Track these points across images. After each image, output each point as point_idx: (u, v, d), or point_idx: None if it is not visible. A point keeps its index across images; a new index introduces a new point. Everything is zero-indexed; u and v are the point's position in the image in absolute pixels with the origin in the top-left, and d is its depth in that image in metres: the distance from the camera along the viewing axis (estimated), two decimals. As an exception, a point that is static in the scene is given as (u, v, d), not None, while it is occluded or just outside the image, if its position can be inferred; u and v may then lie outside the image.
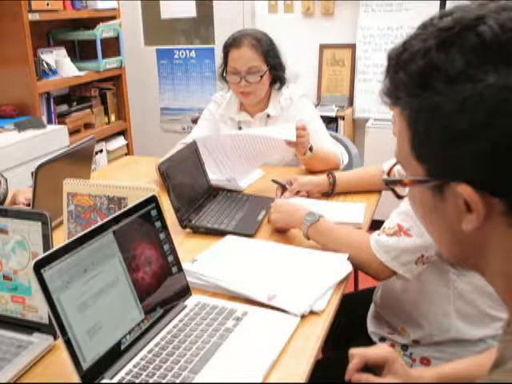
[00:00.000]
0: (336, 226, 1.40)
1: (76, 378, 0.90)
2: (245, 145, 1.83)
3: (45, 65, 3.14)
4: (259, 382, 0.93)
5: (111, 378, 0.94)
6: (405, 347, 1.39)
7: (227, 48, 2.06)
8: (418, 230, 1.19)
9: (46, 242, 1.06)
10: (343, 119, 3.38)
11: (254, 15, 3.66)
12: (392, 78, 0.62)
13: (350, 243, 1.33)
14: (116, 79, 3.69)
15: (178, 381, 0.93)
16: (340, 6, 3.42)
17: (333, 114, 3.37)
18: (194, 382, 0.92)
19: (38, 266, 0.87)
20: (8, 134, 2.77)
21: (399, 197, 0.76)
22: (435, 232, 0.68)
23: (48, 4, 2.90)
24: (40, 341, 1.06)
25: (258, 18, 3.64)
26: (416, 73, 0.58)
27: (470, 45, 0.55)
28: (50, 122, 3.17)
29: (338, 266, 1.27)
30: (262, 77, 2.02)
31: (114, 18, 3.50)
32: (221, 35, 3.38)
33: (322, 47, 3.51)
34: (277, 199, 1.63)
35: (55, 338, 1.05)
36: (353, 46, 3.44)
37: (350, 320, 1.54)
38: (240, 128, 2.16)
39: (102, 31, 3.37)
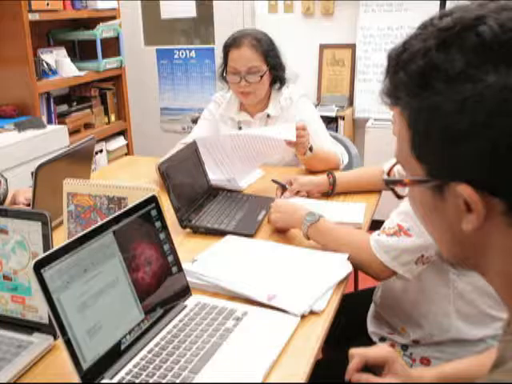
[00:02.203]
0: (336, 226, 1.40)
1: (76, 378, 0.90)
2: (245, 145, 1.83)
3: (45, 65, 3.14)
4: (259, 382, 0.93)
5: (111, 378, 0.94)
6: (405, 347, 1.39)
7: (227, 48, 2.06)
8: (418, 230, 1.19)
9: (46, 241, 1.06)
10: (343, 119, 3.38)
11: (253, 15, 3.66)
12: (392, 78, 0.62)
13: (350, 243, 1.33)
14: (116, 79, 3.69)
15: (177, 381, 0.92)
16: (340, 6, 3.42)
17: (333, 114, 3.37)
18: (193, 381, 0.92)
19: (38, 266, 0.87)
20: (8, 134, 2.77)
21: (399, 197, 0.76)
22: (435, 232, 0.68)
23: (48, 4, 2.90)
24: (40, 341, 1.06)
25: (258, 18, 3.64)
26: (416, 73, 0.58)
27: (469, 45, 0.55)
28: (49, 122, 3.16)
29: (338, 266, 1.27)
30: (261, 77, 2.01)
31: (114, 18, 3.50)
32: (221, 35, 3.38)
33: (322, 47, 3.50)
34: (277, 199, 1.63)
35: (55, 338, 1.05)
36: (353, 46, 3.44)
37: (350, 320, 1.54)
38: (240, 128, 2.16)
39: (102, 31, 3.37)
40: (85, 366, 0.91)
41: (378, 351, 1.01)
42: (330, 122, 3.35)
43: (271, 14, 3.59)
